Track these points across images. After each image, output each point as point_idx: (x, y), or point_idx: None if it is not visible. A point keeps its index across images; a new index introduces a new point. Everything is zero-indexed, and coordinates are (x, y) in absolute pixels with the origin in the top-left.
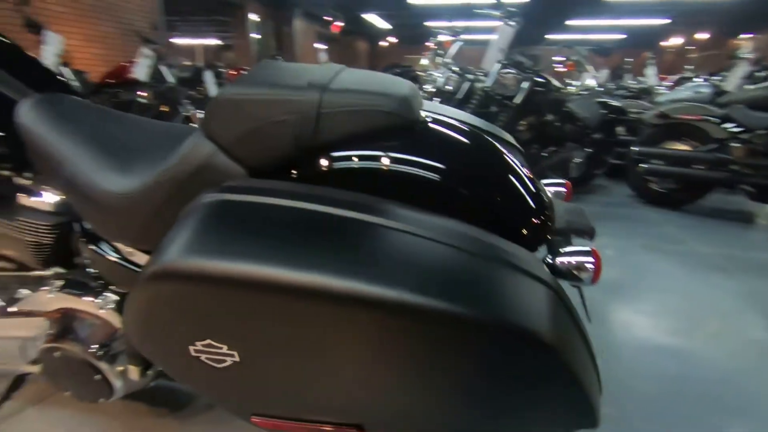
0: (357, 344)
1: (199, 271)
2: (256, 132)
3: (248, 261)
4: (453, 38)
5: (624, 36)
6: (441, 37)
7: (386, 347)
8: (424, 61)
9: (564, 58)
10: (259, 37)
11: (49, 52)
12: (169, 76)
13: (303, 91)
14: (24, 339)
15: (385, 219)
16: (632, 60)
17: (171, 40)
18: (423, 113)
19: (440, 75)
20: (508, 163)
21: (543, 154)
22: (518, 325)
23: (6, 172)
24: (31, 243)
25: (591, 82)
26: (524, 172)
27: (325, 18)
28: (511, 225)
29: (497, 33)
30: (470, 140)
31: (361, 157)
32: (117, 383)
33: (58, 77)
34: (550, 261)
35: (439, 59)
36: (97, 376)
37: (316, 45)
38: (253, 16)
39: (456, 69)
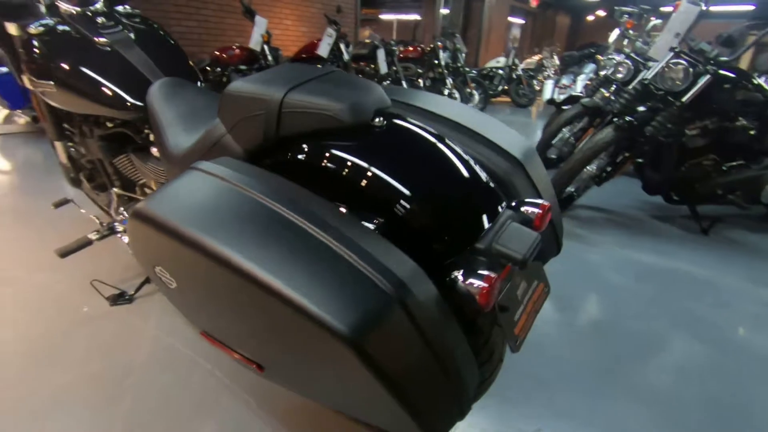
0: (241, 302)
1: (153, 218)
2: (243, 122)
3: (185, 222)
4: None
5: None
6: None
7: (255, 310)
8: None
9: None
10: (446, 12)
11: (257, 33)
12: (346, 54)
13: (272, 92)
14: None
15: (291, 212)
16: None
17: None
18: (380, 119)
19: (616, 60)
20: (441, 175)
21: (722, 168)
22: (320, 317)
23: (146, 131)
24: (154, 180)
25: None
26: (465, 187)
27: None
28: (418, 234)
29: (676, 13)
30: (411, 148)
31: (309, 153)
32: None
33: (189, 63)
34: (454, 277)
35: (624, 41)
36: None
37: (511, 19)
38: None
39: (633, 55)
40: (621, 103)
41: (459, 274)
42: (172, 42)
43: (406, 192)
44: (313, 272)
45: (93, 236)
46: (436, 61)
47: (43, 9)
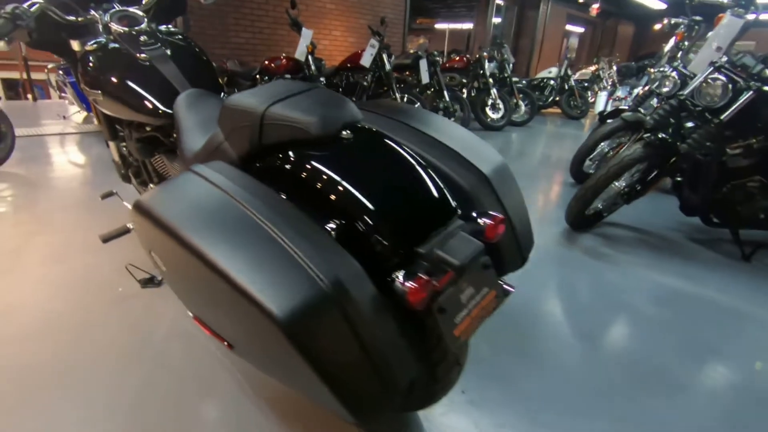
0: (208, 287)
1: (147, 211)
2: (235, 131)
3: (168, 216)
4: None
5: None
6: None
7: (218, 295)
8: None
9: None
10: (498, 20)
11: (302, 44)
12: (387, 64)
13: (256, 106)
14: None
15: (253, 211)
16: None
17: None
18: (347, 132)
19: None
20: (391, 184)
21: None
22: (259, 301)
23: (174, 135)
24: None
25: None
26: (415, 196)
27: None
28: (366, 237)
29: (719, 26)
30: (370, 159)
31: (285, 160)
32: None
33: (216, 77)
34: (394, 277)
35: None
36: None
37: (569, 27)
38: (498, 1)
39: (681, 68)
40: (655, 119)
41: (400, 275)
42: (204, 57)
43: (359, 198)
44: (261, 264)
45: (131, 225)
46: (481, 71)
47: (100, 29)
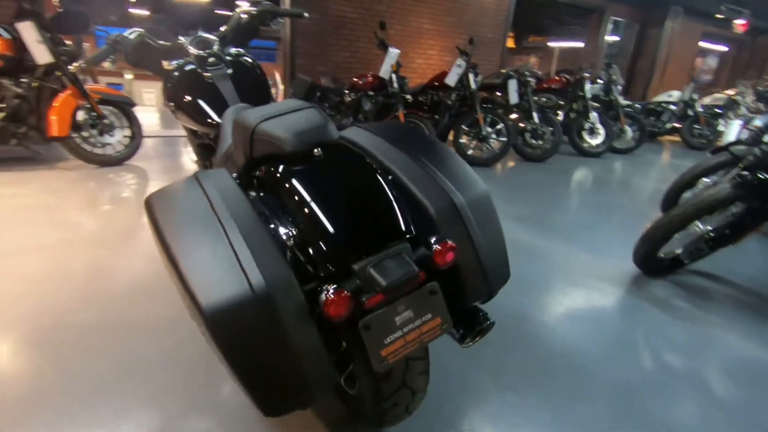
0: (172, 276)
1: (149, 205)
2: (237, 144)
3: (158, 210)
4: None
5: None
6: None
7: (177, 284)
8: None
9: None
10: (614, 39)
11: (387, 63)
12: (473, 83)
13: (249, 123)
14: None
15: (218, 212)
16: None
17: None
18: (318, 150)
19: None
20: (341, 202)
21: None
22: (193, 291)
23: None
24: None
25: None
26: (360, 215)
27: (718, 16)
28: (307, 248)
29: None
30: (331, 176)
31: (267, 170)
32: None
33: (269, 95)
34: (323, 288)
35: None
36: None
37: (707, 45)
38: (616, 18)
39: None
40: (756, 155)
41: (330, 288)
42: (260, 76)
43: (311, 211)
44: (206, 260)
45: None
46: (581, 93)
47: (183, 52)
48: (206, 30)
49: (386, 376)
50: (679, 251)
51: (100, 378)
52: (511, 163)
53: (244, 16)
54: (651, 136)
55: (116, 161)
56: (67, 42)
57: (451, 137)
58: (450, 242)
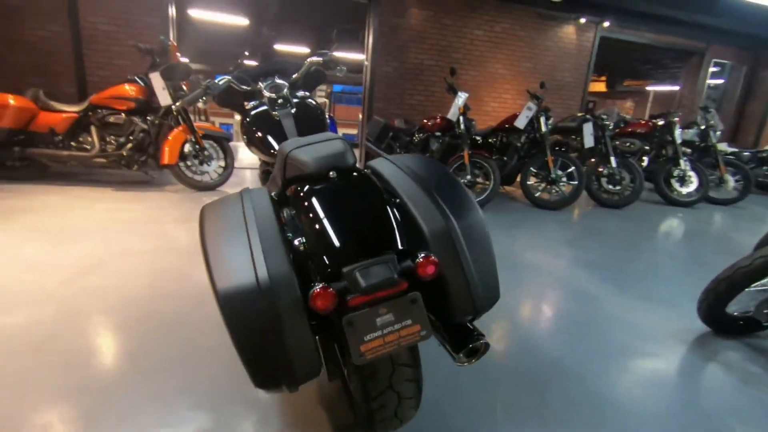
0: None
1: (201, 215)
2: (277, 168)
3: (204, 223)
4: None
5: None
6: None
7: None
8: None
9: None
10: (717, 82)
11: (455, 106)
12: (543, 126)
13: (285, 150)
14: None
15: (246, 219)
16: None
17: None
18: (333, 173)
19: None
20: (342, 217)
21: None
22: (213, 275)
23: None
24: None
25: None
26: (358, 230)
27: None
28: (309, 252)
29: None
30: (339, 195)
31: (295, 189)
32: None
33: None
34: (315, 284)
35: None
36: None
37: None
38: (718, 60)
39: None
40: None
41: (318, 285)
42: (321, 117)
43: (318, 222)
44: (229, 254)
45: None
46: (670, 138)
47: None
48: (281, 76)
49: (372, 375)
50: (751, 308)
51: (165, 359)
52: (587, 208)
53: (314, 66)
54: (761, 188)
55: (211, 187)
56: (184, 87)
57: (518, 179)
58: (433, 257)
